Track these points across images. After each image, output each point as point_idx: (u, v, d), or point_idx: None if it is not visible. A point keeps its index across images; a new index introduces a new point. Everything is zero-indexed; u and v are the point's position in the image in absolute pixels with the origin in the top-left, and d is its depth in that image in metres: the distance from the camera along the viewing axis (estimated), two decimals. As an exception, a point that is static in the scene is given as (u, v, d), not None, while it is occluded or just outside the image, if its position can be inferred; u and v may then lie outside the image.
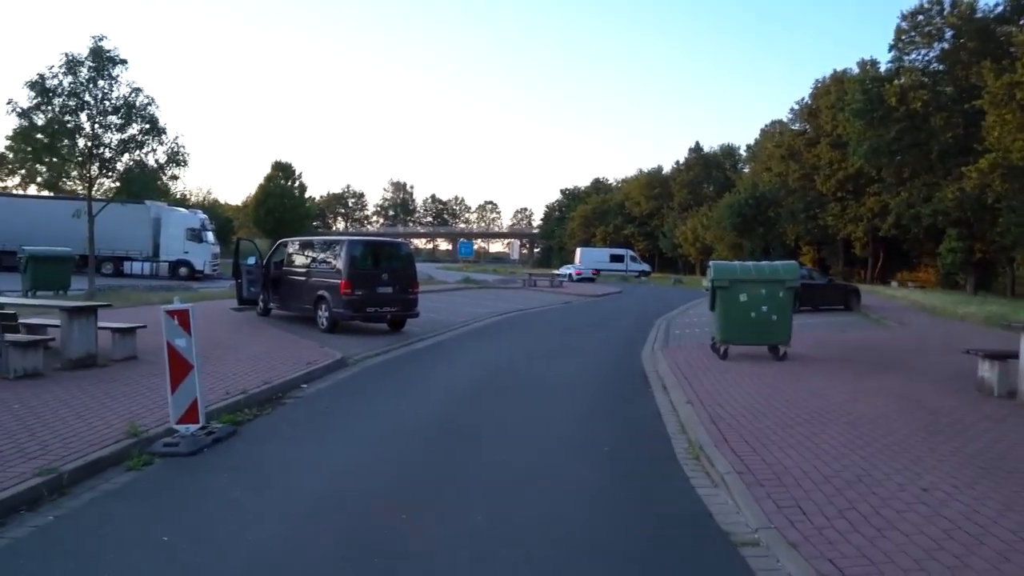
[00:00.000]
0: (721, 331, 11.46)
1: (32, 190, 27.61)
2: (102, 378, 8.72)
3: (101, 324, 9.85)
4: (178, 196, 64.64)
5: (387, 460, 6.17)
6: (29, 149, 17.65)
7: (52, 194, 27.91)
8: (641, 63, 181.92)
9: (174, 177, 20.03)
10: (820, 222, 58.45)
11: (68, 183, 18.87)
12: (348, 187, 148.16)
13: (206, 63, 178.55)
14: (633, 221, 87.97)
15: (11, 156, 18.66)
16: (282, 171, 61.23)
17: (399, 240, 16.89)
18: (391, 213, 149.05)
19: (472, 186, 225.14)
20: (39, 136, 17.59)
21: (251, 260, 16.83)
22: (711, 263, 11.95)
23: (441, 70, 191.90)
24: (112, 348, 9.88)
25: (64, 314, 9.21)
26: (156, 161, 18.86)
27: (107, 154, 18.12)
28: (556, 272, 55.18)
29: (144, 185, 19.42)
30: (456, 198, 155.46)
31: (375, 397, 8.87)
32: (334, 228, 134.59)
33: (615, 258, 66.62)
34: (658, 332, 16.84)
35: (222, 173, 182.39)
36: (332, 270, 14.47)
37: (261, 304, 16.58)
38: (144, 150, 18.71)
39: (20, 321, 10.26)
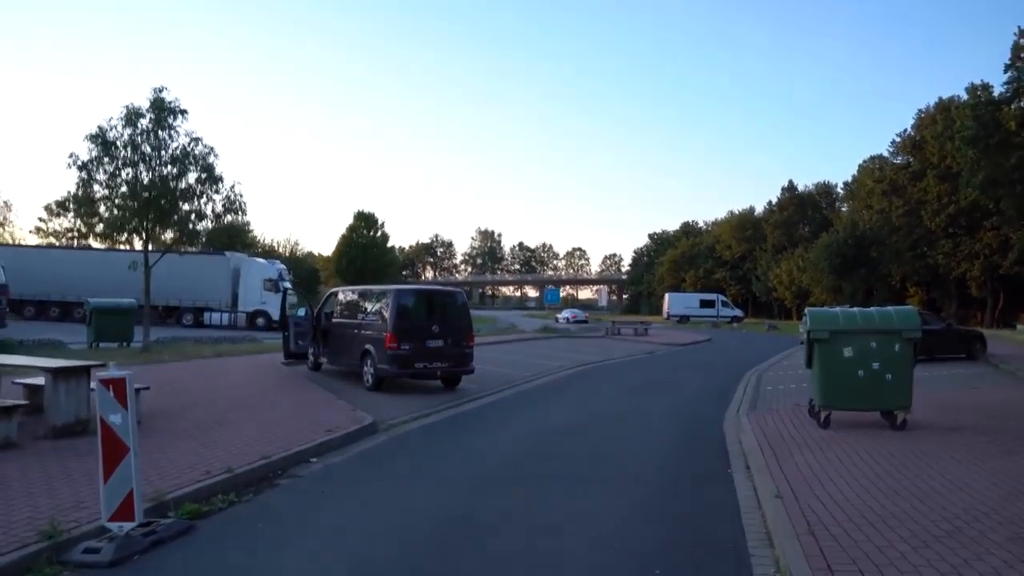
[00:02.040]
0: (821, 393, 9.34)
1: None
2: (80, 450, 7.54)
3: (95, 385, 8.76)
4: (265, 248, 66.57)
5: (355, 583, 4.57)
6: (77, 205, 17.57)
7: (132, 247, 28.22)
8: (730, 101, 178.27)
9: (232, 226, 19.58)
10: (929, 261, 53.84)
11: (124, 236, 18.57)
12: (436, 236, 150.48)
13: (301, 115, 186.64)
14: (724, 265, 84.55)
15: (77, 208, 18.55)
16: (364, 221, 61.81)
17: (453, 288, 15.56)
18: (479, 261, 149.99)
19: (560, 233, 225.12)
20: (98, 188, 17.45)
21: (301, 311, 15.92)
22: (807, 310, 9.90)
23: (526, 116, 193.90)
24: (109, 413, 8.77)
25: (48, 375, 8.17)
26: (213, 210, 18.42)
27: (165, 204, 17.70)
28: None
29: (192, 236, 19.07)
30: (544, 245, 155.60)
31: (386, 478, 7.32)
32: (423, 277, 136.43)
33: (705, 303, 63.83)
34: (746, 389, 14.66)
35: (315, 224, 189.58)
36: (379, 322, 13.26)
37: (311, 358, 15.54)
38: (203, 200, 18.29)
39: (18, 381, 9.42)
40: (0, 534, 5.00)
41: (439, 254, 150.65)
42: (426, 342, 13.00)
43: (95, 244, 27.17)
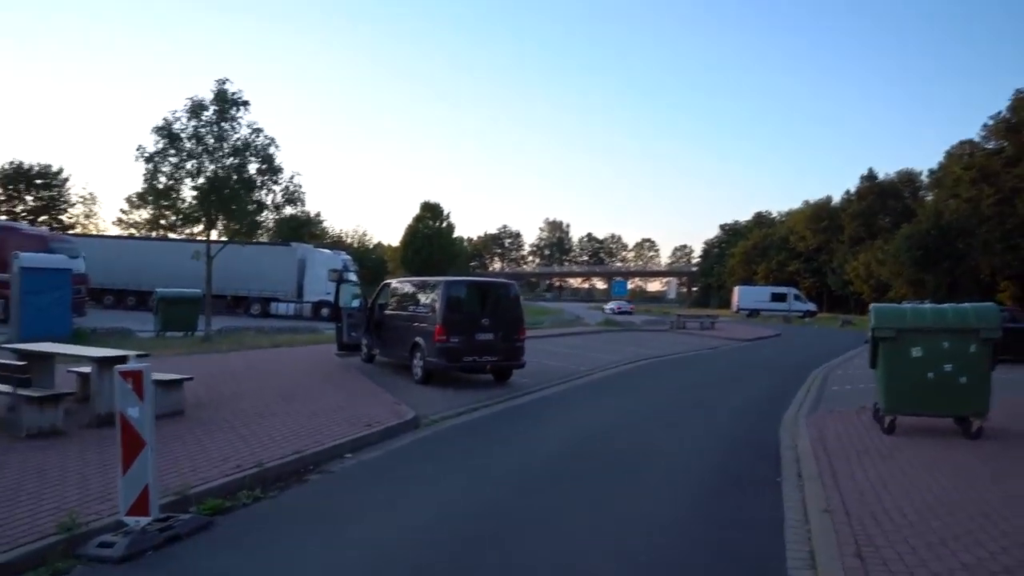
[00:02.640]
0: (886, 396, 8.67)
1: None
2: (121, 440, 7.66)
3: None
4: (333, 238, 67.85)
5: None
6: (151, 197, 18.08)
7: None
8: (805, 84, 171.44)
9: (296, 216, 19.91)
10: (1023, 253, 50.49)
11: (199, 227, 19.02)
12: (504, 227, 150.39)
13: (373, 106, 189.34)
14: (798, 257, 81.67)
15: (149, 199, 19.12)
16: (430, 211, 62.29)
17: (505, 280, 15.34)
18: (547, 253, 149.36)
19: (629, 224, 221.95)
20: (164, 180, 17.92)
21: (355, 302, 15.96)
22: (872, 307, 9.23)
23: (595, 107, 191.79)
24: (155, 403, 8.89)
25: (94, 364, 8.32)
26: (273, 201, 18.73)
27: (228, 195, 18.04)
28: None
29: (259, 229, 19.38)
30: (613, 236, 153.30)
31: (418, 477, 7.13)
32: (491, 268, 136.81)
33: (777, 297, 61.88)
34: (810, 389, 13.92)
35: (384, 215, 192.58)
36: (428, 314, 13.15)
37: (365, 350, 15.58)
38: (263, 191, 18.60)
39: (72, 370, 9.66)
40: (24, 524, 5.03)
41: (507, 245, 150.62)
42: (476, 335, 12.82)
43: (171, 235, 27.94)
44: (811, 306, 63.25)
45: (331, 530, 5.47)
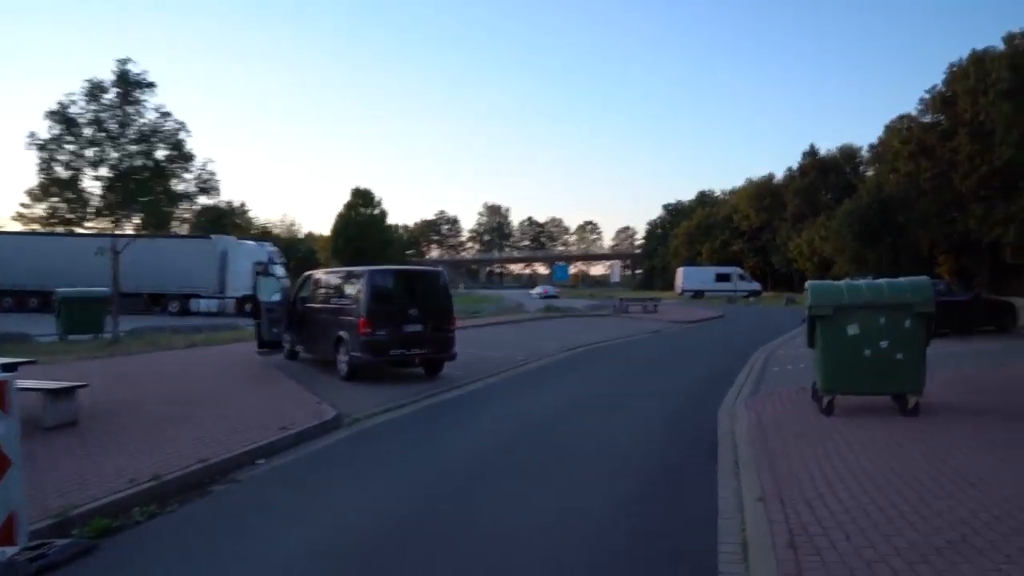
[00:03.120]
0: (824, 376, 8.49)
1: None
2: None
3: (26, 384, 8.14)
4: (259, 229, 65.51)
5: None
6: (54, 188, 16.90)
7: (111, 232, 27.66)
8: (745, 62, 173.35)
9: (212, 206, 19.00)
10: (960, 226, 51.43)
11: (90, 221, 17.87)
12: (442, 213, 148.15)
13: (302, 92, 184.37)
14: (742, 236, 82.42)
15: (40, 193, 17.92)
16: (362, 198, 60.41)
17: (433, 269, 14.78)
18: (486, 238, 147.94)
19: (571, 207, 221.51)
20: (60, 170, 16.79)
21: (276, 296, 15.11)
22: (808, 284, 9.04)
23: (532, 88, 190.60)
24: (43, 414, 8.16)
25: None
26: (185, 190, 17.72)
27: (132, 185, 16.97)
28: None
29: (162, 219, 18.27)
30: (553, 220, 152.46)
31: (331, 482, 6.63)
32: (428, 256, 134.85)
33: (721, 277, 62.47)
34: (751, 371, 13.77)
35: (316, 204, 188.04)
36: (352, 306, 12.56)
37: (287, 346, 14.85)
38: (173, 180, 17.57)
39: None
40: None
41: (444, 231, 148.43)
42: (403, 327, 12.29)
43: (78, 230, 26.33)
44: (756, 286, 64.09)
45: (230, 545, 4.98)
